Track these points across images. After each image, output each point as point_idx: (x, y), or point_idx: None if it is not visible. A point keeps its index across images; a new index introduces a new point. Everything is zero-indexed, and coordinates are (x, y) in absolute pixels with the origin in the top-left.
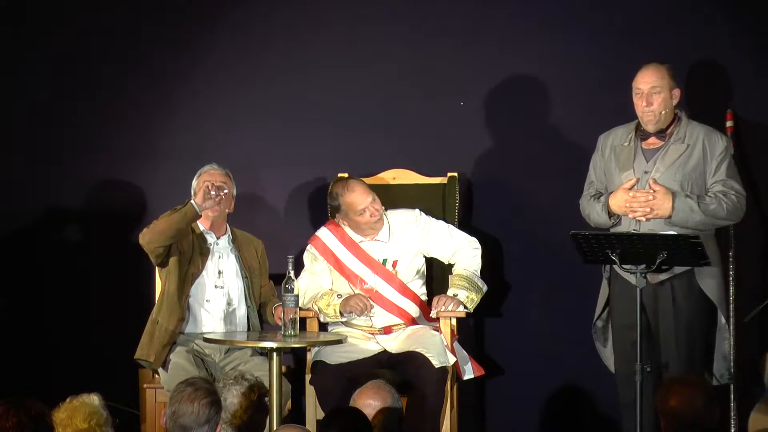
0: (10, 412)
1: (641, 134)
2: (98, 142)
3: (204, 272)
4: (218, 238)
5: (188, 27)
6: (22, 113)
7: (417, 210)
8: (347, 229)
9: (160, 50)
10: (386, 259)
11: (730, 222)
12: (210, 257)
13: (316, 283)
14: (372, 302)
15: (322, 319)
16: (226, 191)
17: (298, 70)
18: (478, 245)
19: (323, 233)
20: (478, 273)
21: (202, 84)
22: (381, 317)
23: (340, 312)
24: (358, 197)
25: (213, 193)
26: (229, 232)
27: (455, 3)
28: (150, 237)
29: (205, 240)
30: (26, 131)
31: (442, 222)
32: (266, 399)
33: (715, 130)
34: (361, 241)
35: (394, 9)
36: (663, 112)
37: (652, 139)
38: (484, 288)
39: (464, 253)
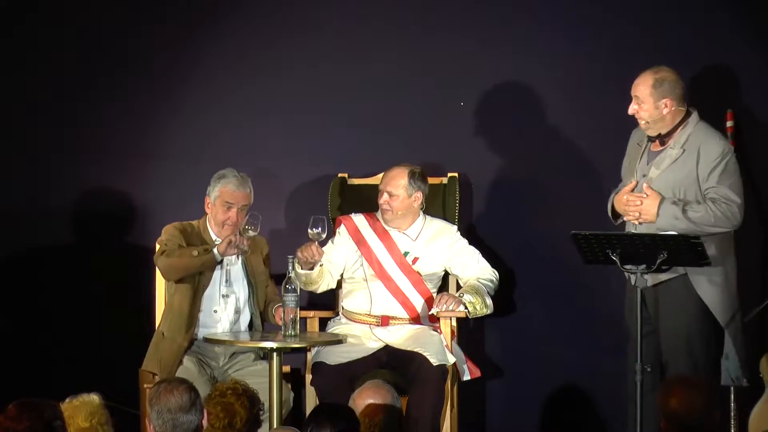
0: (23, 414)
1: (651, 137)
2: (98, 142)
3: (212, 283)
4: None
5: (188, 27)
6: (22, 113)
7: (455, 227)
8: (380, 218)
9: (160, 50)
10: (408, 252)
11: (722, 230)
12: (219, 266)
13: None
14: (320, 249)
15: (302, 286)
16: (250, 233)
17: (298, 70)
18: (498, 278)
19: (356, 216)
20: (490, 294)
21: (202, 84)
22: (382, 304)
23: (300, 267)
24: (385, 179)
25: (238, 242)
26: None
27: (456, 3)
28: (165, 268)
29: None
30: (26, 131)
31: (474, 247)
32: (261, 413)
33: (717, 135)
34: (390, 229)
35: (394, 9)
36: (648, 122)
37: (657, 143)
38: (491, 307)
39: (483, 277)
